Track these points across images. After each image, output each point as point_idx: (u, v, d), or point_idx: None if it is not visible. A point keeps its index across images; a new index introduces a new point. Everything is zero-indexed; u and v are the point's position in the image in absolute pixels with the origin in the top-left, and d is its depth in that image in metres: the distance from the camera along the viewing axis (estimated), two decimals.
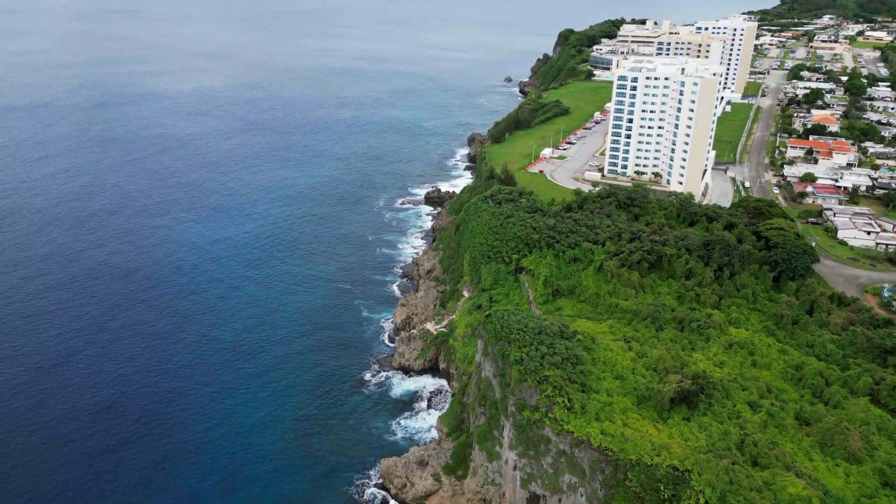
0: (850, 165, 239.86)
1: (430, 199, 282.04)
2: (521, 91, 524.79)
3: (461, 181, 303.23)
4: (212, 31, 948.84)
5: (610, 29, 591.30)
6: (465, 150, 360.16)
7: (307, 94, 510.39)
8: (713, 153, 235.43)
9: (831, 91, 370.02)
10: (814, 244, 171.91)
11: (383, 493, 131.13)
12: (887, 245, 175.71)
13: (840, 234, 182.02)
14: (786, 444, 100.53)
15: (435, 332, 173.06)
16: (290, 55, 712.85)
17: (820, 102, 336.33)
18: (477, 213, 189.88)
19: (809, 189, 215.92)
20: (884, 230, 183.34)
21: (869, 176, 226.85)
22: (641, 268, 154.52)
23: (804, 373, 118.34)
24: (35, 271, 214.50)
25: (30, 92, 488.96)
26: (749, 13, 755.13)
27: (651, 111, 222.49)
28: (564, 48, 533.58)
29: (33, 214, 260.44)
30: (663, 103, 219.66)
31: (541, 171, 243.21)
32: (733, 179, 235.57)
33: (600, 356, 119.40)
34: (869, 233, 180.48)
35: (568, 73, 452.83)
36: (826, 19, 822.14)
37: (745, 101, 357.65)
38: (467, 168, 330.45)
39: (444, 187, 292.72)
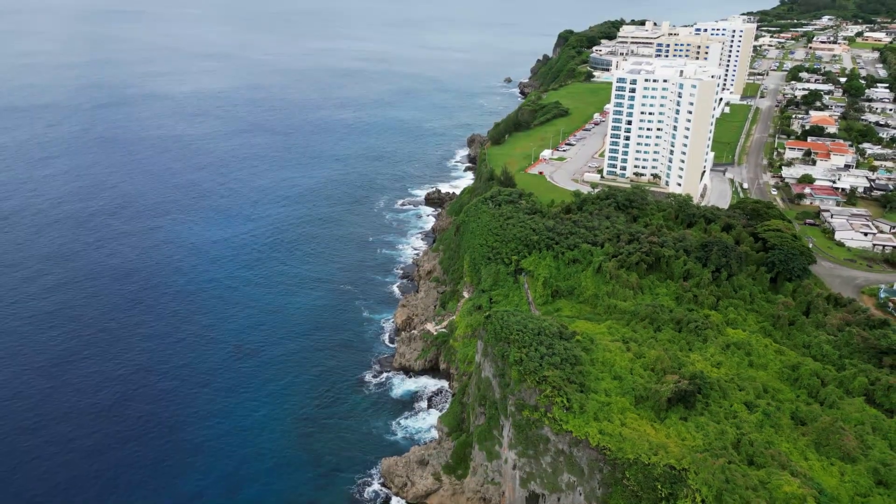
0: (847, 167, 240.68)
1: (430, 200, 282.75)
2: (521, 92, 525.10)
3: (461, 182, 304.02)
4: (213, 31, 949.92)
5: (609, 30, 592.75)
6: (465, 151, 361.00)
7: (308, 94, 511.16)
8: (712, 154, 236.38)
9: (830, 92, 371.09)
10: (811, 245, 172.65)
11: (385, 491, 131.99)
12: (884, 246, 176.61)
13: (837, 236, 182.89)
14: (781, 443, 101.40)
15: (435, 333, 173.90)
16: (291, 56, 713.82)
17: (818, 104, 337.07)
18: (477, 214, 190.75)
19: (807, 190, 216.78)
20: (881, 231, 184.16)
21: (867, 177, 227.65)
22: (640, 269, 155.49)
23: (800, 373, 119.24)
24: (36, 272, 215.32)
25: (32, 93, 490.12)
26: (748, 14, 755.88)
27: (650, 113, 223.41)
28: (564, 49, 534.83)
29: (34, 215, 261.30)
30: (662, 105, 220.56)
31: (540, 173, 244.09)
32: (732, 181, 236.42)
33: (599, 357, 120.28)
34: (866, 234, 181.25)
35: (567, 75, 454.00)
36: (825, 20, 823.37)
37: (744, 103, 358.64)
38: (467, 169, 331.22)
39: (445, 188, 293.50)
